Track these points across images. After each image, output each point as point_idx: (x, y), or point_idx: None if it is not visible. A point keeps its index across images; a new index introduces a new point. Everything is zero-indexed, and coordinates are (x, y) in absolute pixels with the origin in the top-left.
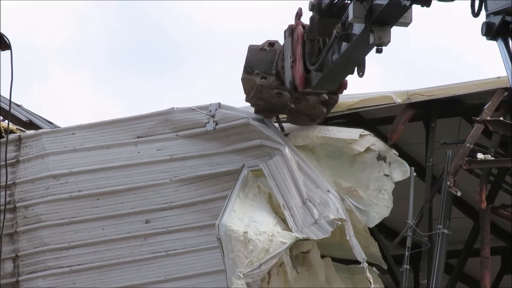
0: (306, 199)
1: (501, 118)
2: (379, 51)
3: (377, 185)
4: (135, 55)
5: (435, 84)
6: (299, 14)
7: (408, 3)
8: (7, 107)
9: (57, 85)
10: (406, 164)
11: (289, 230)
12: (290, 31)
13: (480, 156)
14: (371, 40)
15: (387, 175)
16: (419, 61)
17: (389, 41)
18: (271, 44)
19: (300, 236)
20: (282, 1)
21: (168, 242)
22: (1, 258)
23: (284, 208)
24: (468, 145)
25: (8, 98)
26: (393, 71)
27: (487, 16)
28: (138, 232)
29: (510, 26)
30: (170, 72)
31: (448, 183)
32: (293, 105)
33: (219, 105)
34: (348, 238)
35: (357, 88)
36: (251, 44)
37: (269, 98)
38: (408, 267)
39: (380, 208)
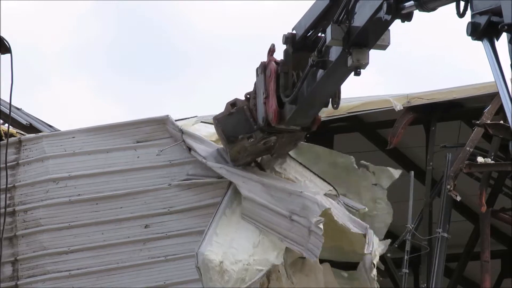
0: (290, 216)
1: (501, 122)
2: (357, 73)
3: (370, 196)
4: (135, 60)
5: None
6: (272, 50)
7: (389, 18)
8: (7, 111)
9: (57, 89)
10: (389, 169)
11: (272, 249)
12: (263, 68)
13: (480, 159)
14: (350, 62)
15: (375, 184)
16: (420, 70)
17: (367, 63)
18: (233, 104)
19: (279, 261)
20: (281, 5)
21: (167, 247)
22: (1, 262)
23: (282, 241)
24: (468, 148)
25: (8, 101)
26: (394, 79)
27: (473, 16)
28: (138, 237)
29: (499, 26)
30: (170, 76)
31: (448, 187)
32: (277, 144)
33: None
34: (336, 219)
35: (358, 92)
36: (214, 116)
37: (255, 150)
38: (407, 271)
39: (382, 217)
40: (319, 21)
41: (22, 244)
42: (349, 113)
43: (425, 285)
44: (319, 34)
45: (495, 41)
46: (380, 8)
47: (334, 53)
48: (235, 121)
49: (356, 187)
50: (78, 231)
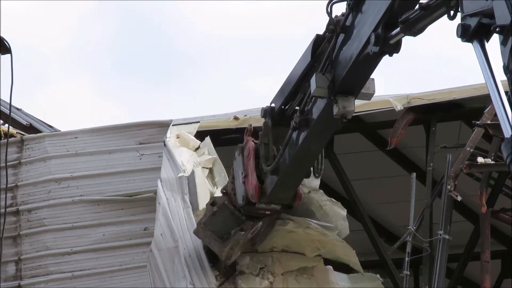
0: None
1: None
2: (343, 123)
3: (315, 201)
4: (136, 60)
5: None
6: (249, 131)
7: (377, 49)
8: (7, 111)
9: (57, 89)
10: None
11: None
12: (241, 150)
13: (480, 160)
14: (336, 110)
15: (309, 192)
16: (424, 70)
17: (353, 111)
18: (213, 204)
19: None
20: (282, 5)
21: None
22: (5, 261)
23: None
24: (468, 149)
25: (8, 101)
26: (397, 79)
27: (463, 18)
28: (139, 239)
29: (492, 28)
30: (171, 77)
31: (449, 187)
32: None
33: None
34: None
35: None
36: (198, 223)
37: (245, 242)
38: (408, 272)
39: (336, 215)
40: (301, 83)
41: (26, 244)
42: None
43: (427, 286)
44: (296, 108)
45: (485, 43)
46: (368, 42)
47: (318, 109)
48: (222, 218)
49: (308, 211)
50: (81, 232)
